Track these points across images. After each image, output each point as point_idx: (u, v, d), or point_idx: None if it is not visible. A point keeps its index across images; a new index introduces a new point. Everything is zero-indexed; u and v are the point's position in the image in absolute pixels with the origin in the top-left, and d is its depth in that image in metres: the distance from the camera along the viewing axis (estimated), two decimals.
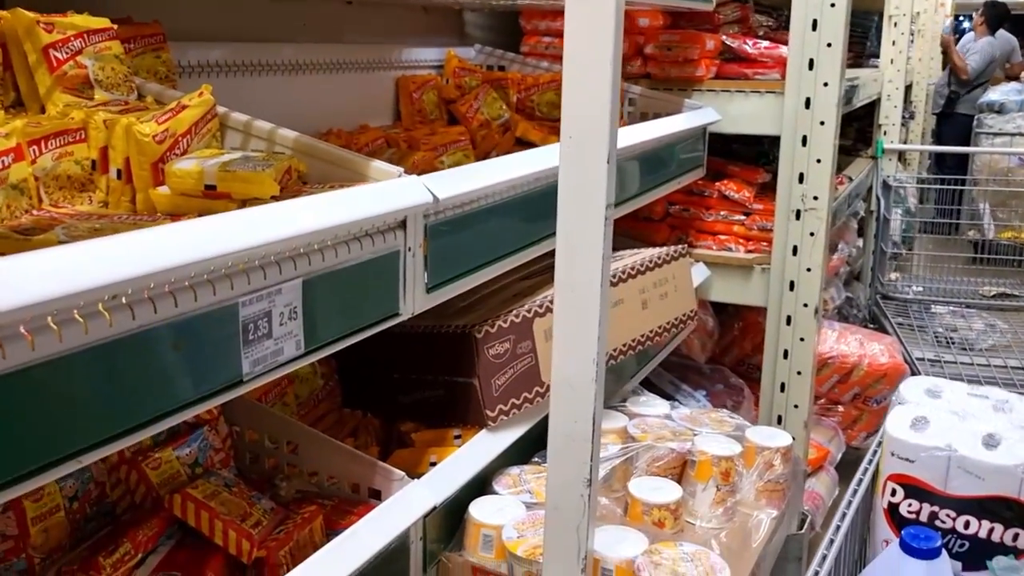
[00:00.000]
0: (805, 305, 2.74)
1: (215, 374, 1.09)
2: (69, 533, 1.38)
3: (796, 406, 2.81)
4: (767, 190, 2.94)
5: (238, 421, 1.68)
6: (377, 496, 1.58)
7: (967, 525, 1.92)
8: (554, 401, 1.38)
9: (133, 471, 1.45)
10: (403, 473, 1.55)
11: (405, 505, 1.52)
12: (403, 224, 1.37)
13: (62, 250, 0.90)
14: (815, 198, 2.68)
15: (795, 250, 2.73)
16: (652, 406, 2.16)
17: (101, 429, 0.96)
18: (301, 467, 1.65)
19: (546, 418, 1.87)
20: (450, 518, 1.62)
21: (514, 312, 1.81)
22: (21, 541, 1.31)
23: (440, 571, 1.62)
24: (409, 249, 1.40)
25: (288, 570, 1.37)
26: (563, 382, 1.36)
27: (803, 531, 2.37)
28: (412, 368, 1.88)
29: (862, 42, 5.80)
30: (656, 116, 2.67)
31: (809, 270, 2.73)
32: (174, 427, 1.53)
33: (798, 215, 2.70)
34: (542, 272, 2.15)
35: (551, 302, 1.81)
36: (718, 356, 3.45)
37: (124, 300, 0.95)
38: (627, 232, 3.00)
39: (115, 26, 1.48)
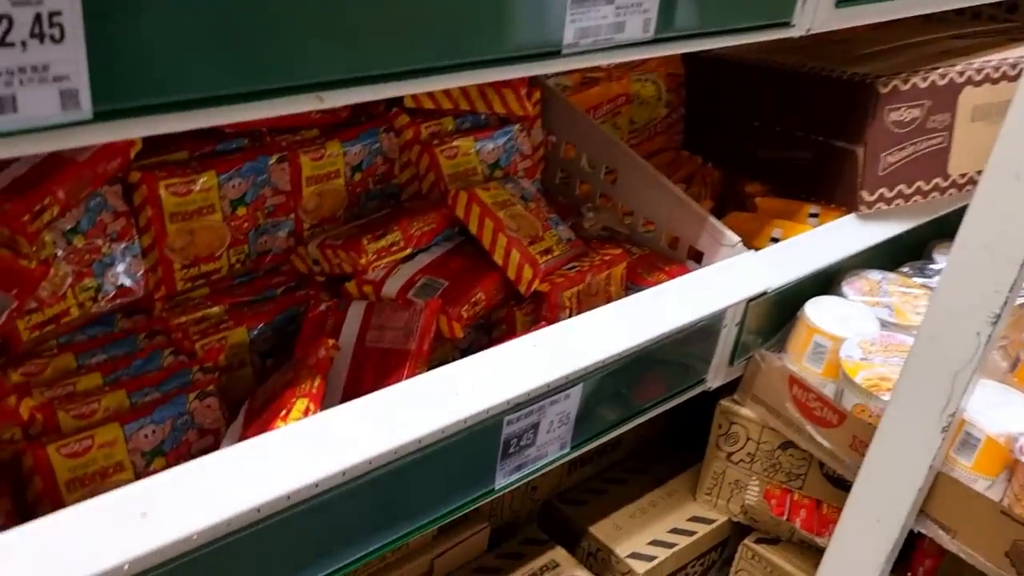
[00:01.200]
0: None
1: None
2: (344, 206, 1.20)
3: None
4: None
5: (557, 130, 1.40)
6: (697, 259, 1.27)
7: None
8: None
9: (425, 154, 1.23)
10: (738, 239, 1.21)
11: (730, 278, 1.19)
12: None
13: None
14: None
15: None
16: None
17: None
18: (616, 201, 1.36)
19: (937, 221, 1.42)
20: (778, 310, 1.28)
21: (939, 71, 1.32)
22: (292, 200, 1.15)
23: (748, 369, 1.31)
24: None
25: (570, 315, 1.13)
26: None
27: None
28: (779, 117, 1.47)
29: None
30: None
31: None
32: (480, 119, 1.28)
33: None
34: (983, 35, 1.60)
35: (994, 69, 1.30)
36: None
37: None
38: None
39: None
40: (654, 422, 1.57)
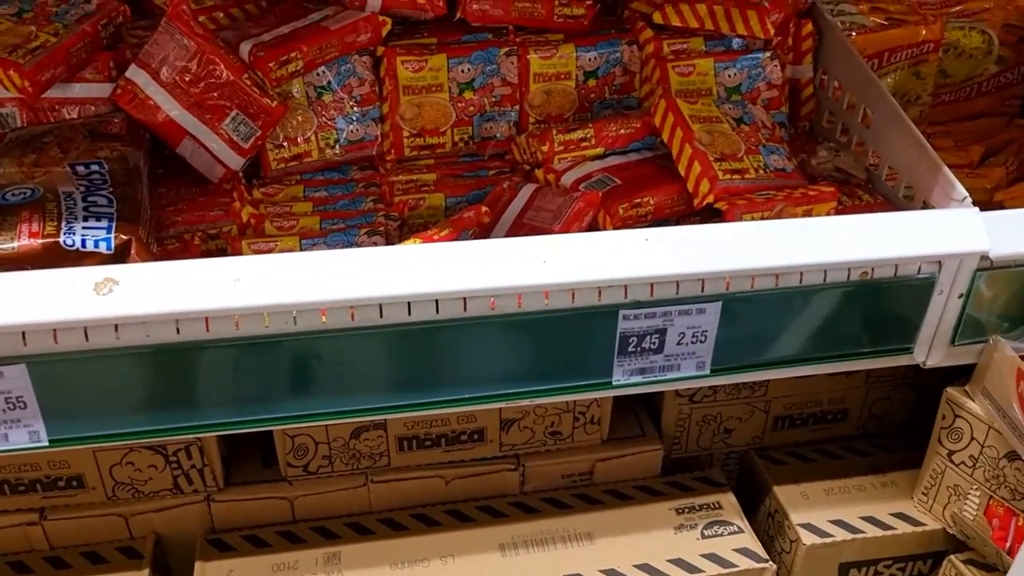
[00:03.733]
0: None
1: None
2: (574, 108, 1.28)
3: None
4: None
5: (830, 68, 1.31)
6: None
7: None
8: None
9: (657, 68, 1.25)
10: (966, 194, 1.06)
11: (940, 230, 1.04)
12: None
13: None
14: None
15: None
16: None
17: None
18: (868, 147, 1.24)
19: None
20: (1013, 286, 1.09)
21: None
22: (519, 93, 1.26)
23: (983, 355, 1.13)
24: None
25: None
26: None
27: None
28: None
29: None
30: None
31: None
32: (730, 43, 1.27)
33: None
34: None
35: None
36: None
37: None
38: None
39: None
40: (897, 409, 1.42)
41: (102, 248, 0.93)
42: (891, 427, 1.43)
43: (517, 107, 1.26)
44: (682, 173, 1.12)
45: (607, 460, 1.31)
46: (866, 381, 1.37)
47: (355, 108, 1.22)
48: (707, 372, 1.08)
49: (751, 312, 1.04)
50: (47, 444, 0.95)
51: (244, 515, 1.24)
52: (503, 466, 1.28)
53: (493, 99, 1.25)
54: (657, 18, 1.27)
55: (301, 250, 1.09)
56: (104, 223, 0.95)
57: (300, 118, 1.20)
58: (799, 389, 1.35)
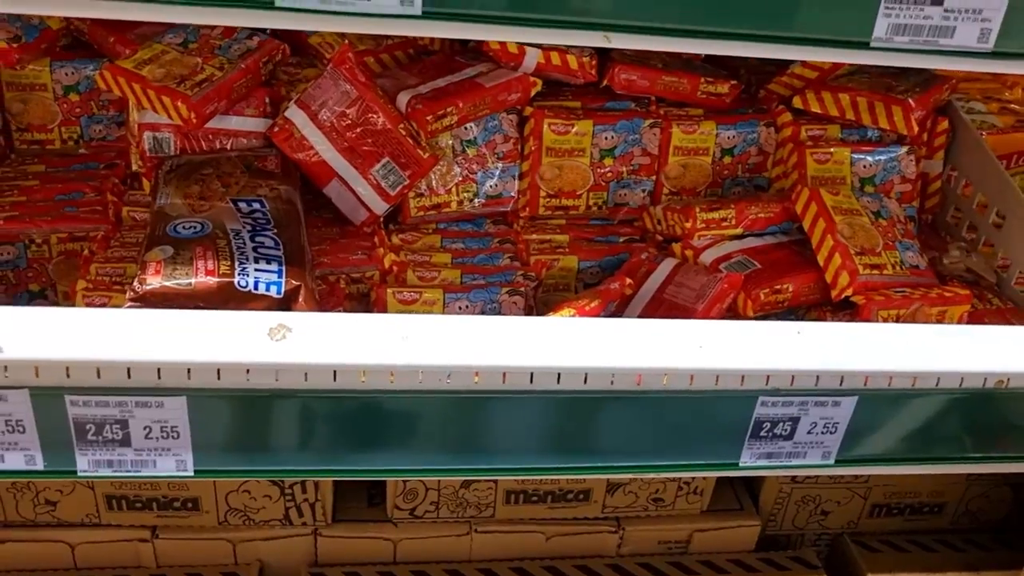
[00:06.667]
0: None
1: None
2: (708, 183, 1.30)
3: None
4: None
5: (960, 164, 1.33)
6: None
7: None
8: None
9: (795, 153, 1.27)
10: None
11: None
12: None
13: None
14: None
15: None
16: None
17: None
18: (997, 250, 1.26)
19: None
20: None
21: None
22: (657, 164, 1.28)
23: None
24: None
25: None
26: None
27: None
28: None
29: None
30: None
31: None
32: (867, 135, 1.29)
33: None
34: None
35: None
36: None
37: None
38: None
39: None
40: (994, 507, 1.43)
41: (272, 292, 0.95)
42: (985, 524, 1.43)
43: (653, 177, 1.28)
44: (821, 263, 1.14)
45: (705, 531, 1.32)
46: (967, 477, 1.38)
47: (497, 164, 1.24)
48: (831, 462, 1.10)
49: (883, 409, 1.06)
50: (192, 474, 0.98)
51: (348, 552, 1.26)
52: (604, 527, 1.30)
53: (631, 167, 1.27)
54: (797, 102, 1.29)
55: (445, 303, 1.11)
56: (274, 267, 0.97)
57: (444, 169, 1.22)
58: (901, 479, 1.36)
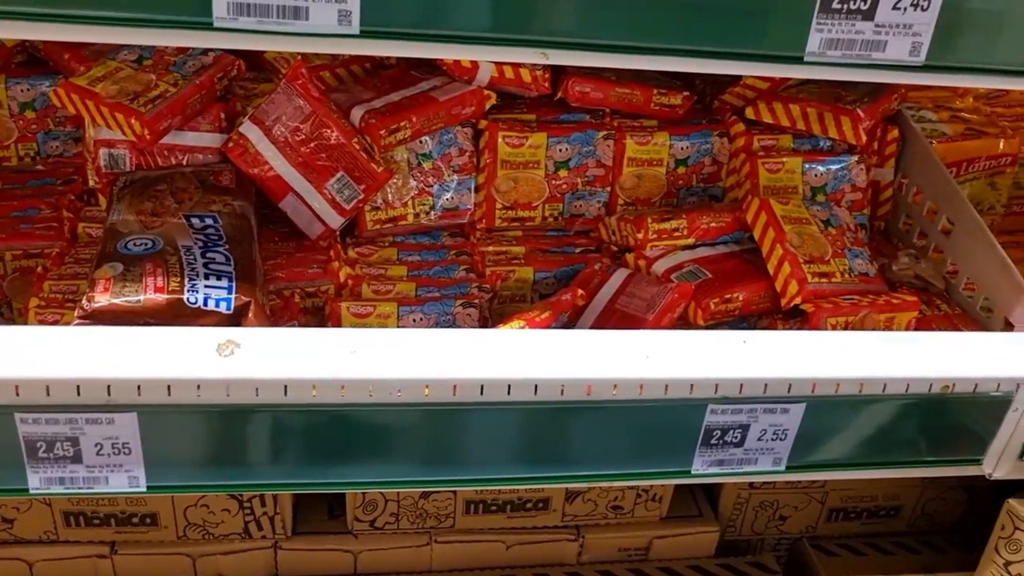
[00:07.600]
0: None
1: None
2: (662, 194, 1.31)
3: None
4: None
5: (910, 172, 1.35)
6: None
7: None
8: None
9: (747, 163, 1.29)
10: None
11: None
12: None
13: None
14: None
15: None
16: None
17: None
18: (946, 257, 1.28)
19: None
20: None
21: None
22: (612, 175, 1.29)
23: None
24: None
25: None
26: None
27: None
28: None
29: None
30: None
31: None
32: (819, 144, 1.31)
33: None
34: None
35: None
36: None
37: None
38: None
39: None
40: (949, 509, 1.45)
41: (222, 308, 0.96)
42: (941, 526, 1.45)
43: (608, 188, 1.29)
44: (771, 272, 1.16)
45: (664, 538, 1.33)
46: (922, 481, 1.40)
47: (453, 177, 1.25)
48: (782, 468, 1.11)
49: (831, 415, 1.07)
50: (145, 490, 0.98)
51: (308, 565, 1.26)
52: (563, 535, 1.31)
53: (586, 179, 1.28)
54: (749, 113, 1.30)
55: (399, 317, 1.12)
56: (224, 283, 0.98)
57: (399, 183, 1.23)
58: (857, 483, 1.38)
